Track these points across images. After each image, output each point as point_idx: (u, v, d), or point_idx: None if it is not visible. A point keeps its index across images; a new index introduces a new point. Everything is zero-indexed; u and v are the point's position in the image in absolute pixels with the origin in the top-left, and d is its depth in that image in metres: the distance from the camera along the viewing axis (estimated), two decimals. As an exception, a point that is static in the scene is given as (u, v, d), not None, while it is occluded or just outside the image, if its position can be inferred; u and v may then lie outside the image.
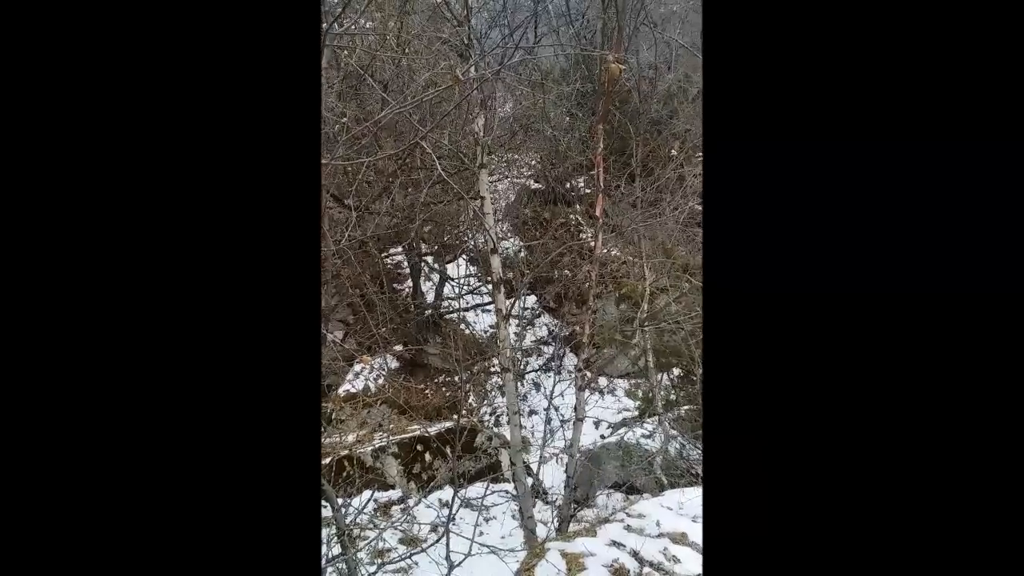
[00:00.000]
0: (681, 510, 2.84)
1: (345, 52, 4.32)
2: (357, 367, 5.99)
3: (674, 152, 6.50)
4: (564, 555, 2.55)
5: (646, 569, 2.42)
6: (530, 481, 3.93)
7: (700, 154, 6.11)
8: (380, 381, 6.21)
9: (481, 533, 4.15)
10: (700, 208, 5.59)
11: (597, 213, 3.43)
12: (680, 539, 2.62)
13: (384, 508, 4.56)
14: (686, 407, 5.42)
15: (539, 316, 7.35)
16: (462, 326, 7.13)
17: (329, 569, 2.76)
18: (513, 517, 4.45)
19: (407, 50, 4.80)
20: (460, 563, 2.46)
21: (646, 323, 4.61)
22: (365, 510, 3.74)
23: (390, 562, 3.35)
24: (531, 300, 7.33)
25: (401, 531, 4.02)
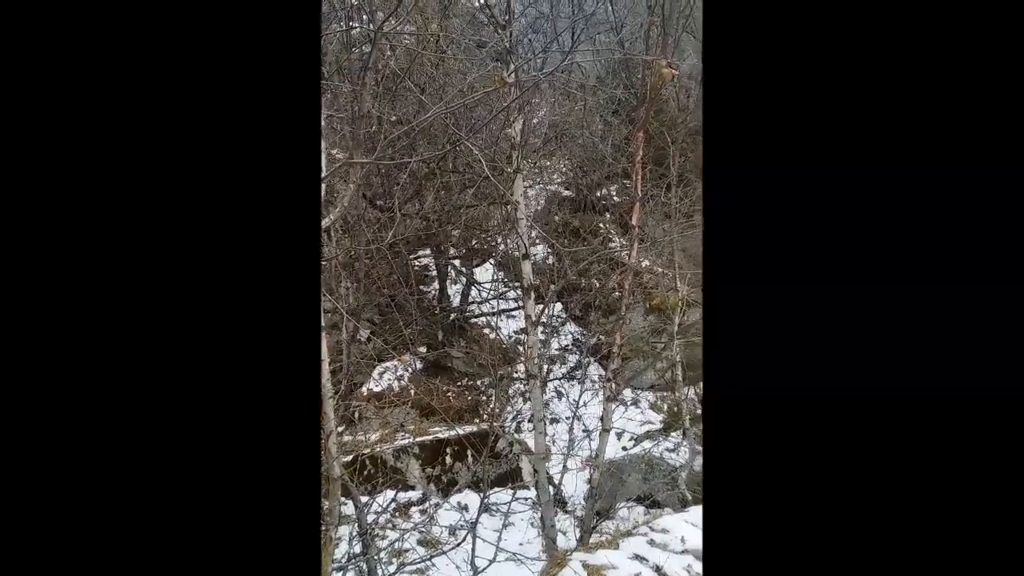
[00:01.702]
0: (708, 528, 2.78)
1: (388, 53, 4.37)
2: (389, 364, 6.03)
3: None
4: (586, 566, 2.52)
5: (671, 586, 2.37)
6: (552, 490, 3.90)
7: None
8: (404, 382, 6.23)
9: (502, 539, 4.12)
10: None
11: (634, 221, 3.39)
12: (707, 557, 2.56)
13: (404, 508, 4.56)
14: (713, 423, 5.31)
15: (564, 324, 7.31)
16: (486, 331, 7.13)
17: (350, 567, 2.76)
18: (532, 525, 4.41)
19: (447, 54, 4.83)
20: (485, 568, 2.44)
21: (677, 335, 4.54)
22: (387, 510, 3.74)
23: (410, 563, 3.34)
24: (557, 308, 7.30)
25: (421, 532, 4.01)
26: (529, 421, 5.37)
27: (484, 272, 7.50)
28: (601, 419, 3.63)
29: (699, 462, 4.90)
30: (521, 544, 4.17)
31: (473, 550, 2.45)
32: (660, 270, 5.61)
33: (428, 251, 7.27)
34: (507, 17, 3.58)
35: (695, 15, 5.90)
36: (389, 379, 6.25)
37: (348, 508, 3.15)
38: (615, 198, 7.57)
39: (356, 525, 2.70)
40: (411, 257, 7.01)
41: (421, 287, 7.37)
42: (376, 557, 2.81)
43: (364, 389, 5.97)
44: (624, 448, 5.55)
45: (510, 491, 3.89)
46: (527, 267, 3.65)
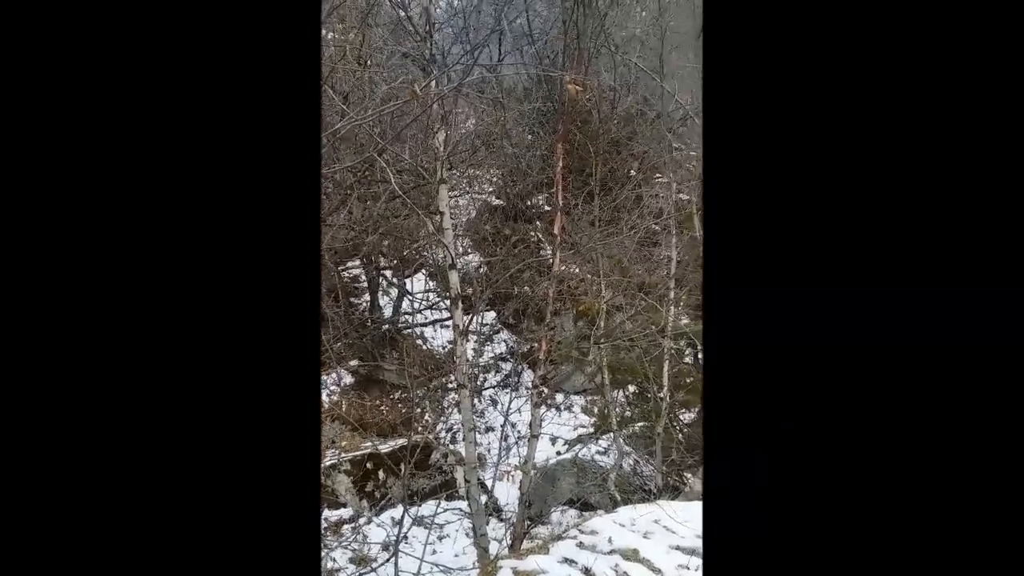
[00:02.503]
0: (633, 526, 2.86)
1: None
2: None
3: (632, 172, 6.64)
4: (516, 573, 2.53)
5: (597, 586, 2.42)
6: (484, 498, 3.89)
7: (658, 175, 6.27)
8: (333, 398, 6.07)
9: (434, 552, 4.08)
10: (656, 228, 5.72)
11: (556, 231, 3.46)
12: (631, 555, 2.64)
13: (334, 527, 4.44)
14: (640, 424, 5.48)
15: (498, 332, 7.35)
16: (419, 342, 7.06)
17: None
18: (467, 535, 4.39)
19: (368, 63, 4.78)
20: (410, 583, 2.41)
21: (602, 340, 4.66)
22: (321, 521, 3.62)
23: (338, 583, 3.25)
24: (490, 316, 7.32)
25: (351, 550, 3.91)
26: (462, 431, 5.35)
27: (414, 283, 7.44)
28: (530, 425, 3.67)
29: (627, 463, 5.03)
30: (456, 555, 4.14)
31: (396, 565, 2.42)
32: (589, 276, 5.74)
33: (357, 262, 7.14)
34: (427, 28, 3.60)
35: (609, 31, 6.11)
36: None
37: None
38: (544, 207, 7.71)
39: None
40: (340, 268, 6.85)
41: (352, 299, 7.21)
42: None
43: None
44: (558, 453, 5.62)
45: (438, 503, 3.85)
46: (454, 277, 3.65)
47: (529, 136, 7.11)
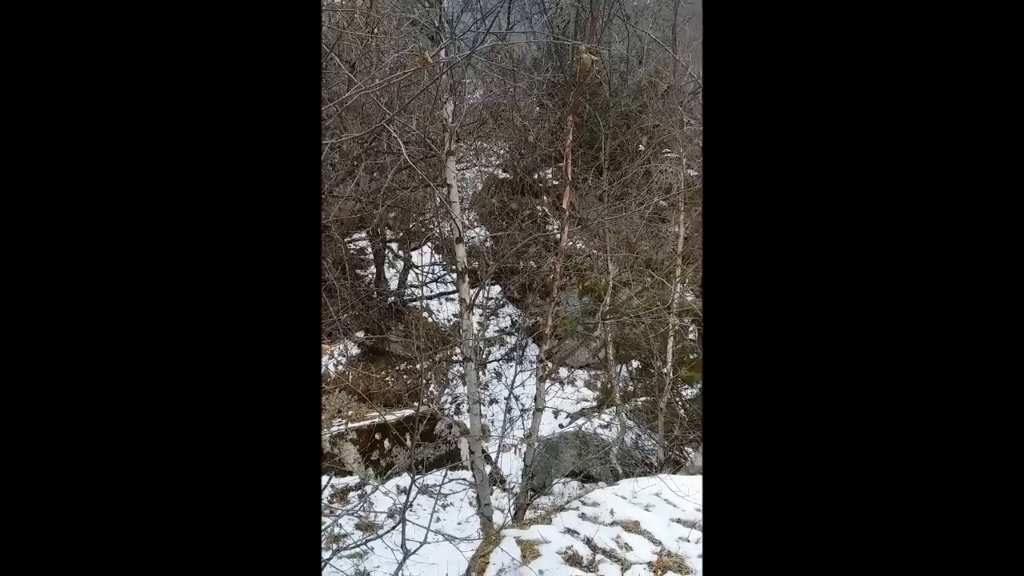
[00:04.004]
0: (634, 499, 2.90)
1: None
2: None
3: (641, 147, 6.56)
4: (519, 542, 2.58)
5: (599, 556, 2.46)
6: (488, 469, 3.95)
7: (667, 150, 6.19)
8: (340, 368, 6.13)
9: (438, 520, 4.16)
10: (664, 204, 5.68)
11: (564, 205, 3.44)
12: (632, 527, 2.68)
13: (341, 494, 4.52)
14: (643, 399, 5.52)
15: (503, 306, 7.37)
16: (424, 314, 7.09)
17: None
18: (471, 504, 4.47)
19: (376, 30, 4.70)
20: (416, 551, 2.46)
21: (608, 316, 4.67)
22: (322, 496, 3.70)
23: (345, 548, 3.33)
24: (496, 290, 7.34)
25: (358, 517, 3.99)
26: (467, 403, 5.40)
27: (422, 255, 7.44)
28: (534, 399, 3.70)
29: (630, 437, 5.09)
30: (459, 524, 4.22)
31: (403, 533, 2.47)
32: (595, 252, 5.72)
33: (363, 234, 7.13)
34: (437, -5, 3.52)
35: (623, 0, 5.97)
36: (325, 365, 6.14)
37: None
38: (552, 181, 7.65)
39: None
40: (346, 240, 6.86)
41: (358, 271, 7.22)
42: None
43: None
44: (560, 426, 5.69)
45: (444, 473, 3.91)
46: (461, 251, 3.64)
47: (538, 108, 7.02)
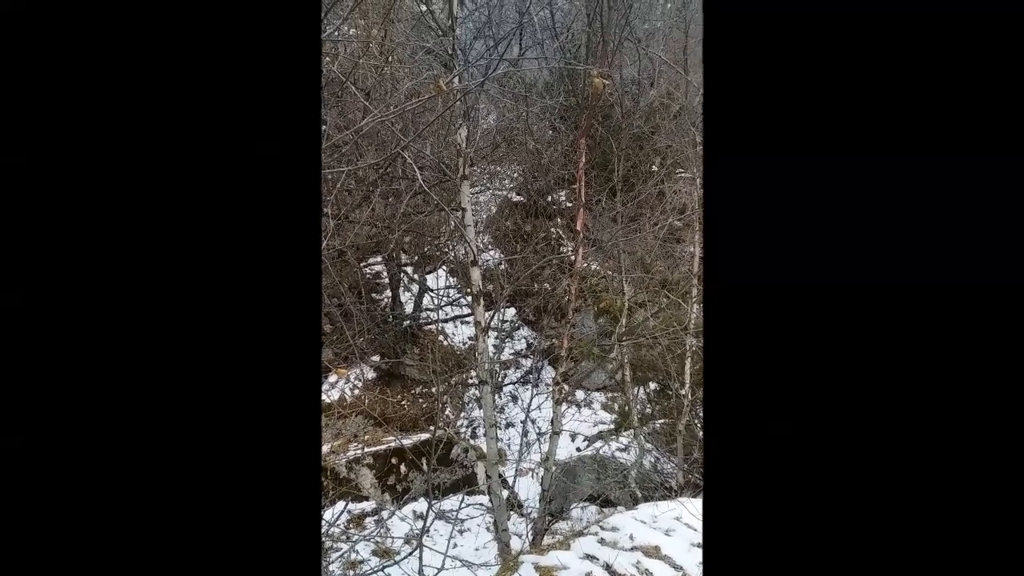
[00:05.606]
0: (654, 523, 2.85)
1: (328, 59, 4.31)
2: (332, 378, 5.92)
3: (655, 168, 6.58)
4: (538, 568, 2.54)
5: (619, 583, 2.41)
6: (505, 494, 3.91)
7: (681, 171, 6.20)
8: (356, 392, 6.14)
9: (456, 545, 4.11)
10: (679, 224, 5.66)
11: (578, 227, 3.45)
12: (652, 552, 2.62)
13: (358, 519, 4.49)
14: (661, 421, 5.44)
15: (518, 329, 7.35)
16: (440, 338, 7.10)
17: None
18: (488, 530, 4.41)
19: (390, 59, 4.81)
20: (433, 576, 2.43)
21: (624, 338, 4.63)
22: (338, 521, 3.67)
23: (362, 574, 3.29)
24: (511, 312, 7.33)
25: (374, 543, 3.96)
26: (483, 426, 5.37)
27: (437, 279, 7.48)
28: (551, 422, 3.67)
29: (648, 460, 5.01)
30: (477, 549, 4.16)
31: (421, 559, 2.44)
32: (610, 273, 5.71)
33: (379, 258, 7.19)
34: (450, 23, 3.60)
35: (633, 23, 6.05)
36: (341, 389, 6.15)
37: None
38: (565, 203, 7.68)
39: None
40: (362, 264, 6.92)
41: (373, 295, 7.27)
42: (328, 570, 2.75)
43: (315, 400, 5.83)
44: (578, 449, 5.62)
45: (460, 498, 3.87)
46: (476, 274, 3.66)
47: (551, 131, 7.08)
